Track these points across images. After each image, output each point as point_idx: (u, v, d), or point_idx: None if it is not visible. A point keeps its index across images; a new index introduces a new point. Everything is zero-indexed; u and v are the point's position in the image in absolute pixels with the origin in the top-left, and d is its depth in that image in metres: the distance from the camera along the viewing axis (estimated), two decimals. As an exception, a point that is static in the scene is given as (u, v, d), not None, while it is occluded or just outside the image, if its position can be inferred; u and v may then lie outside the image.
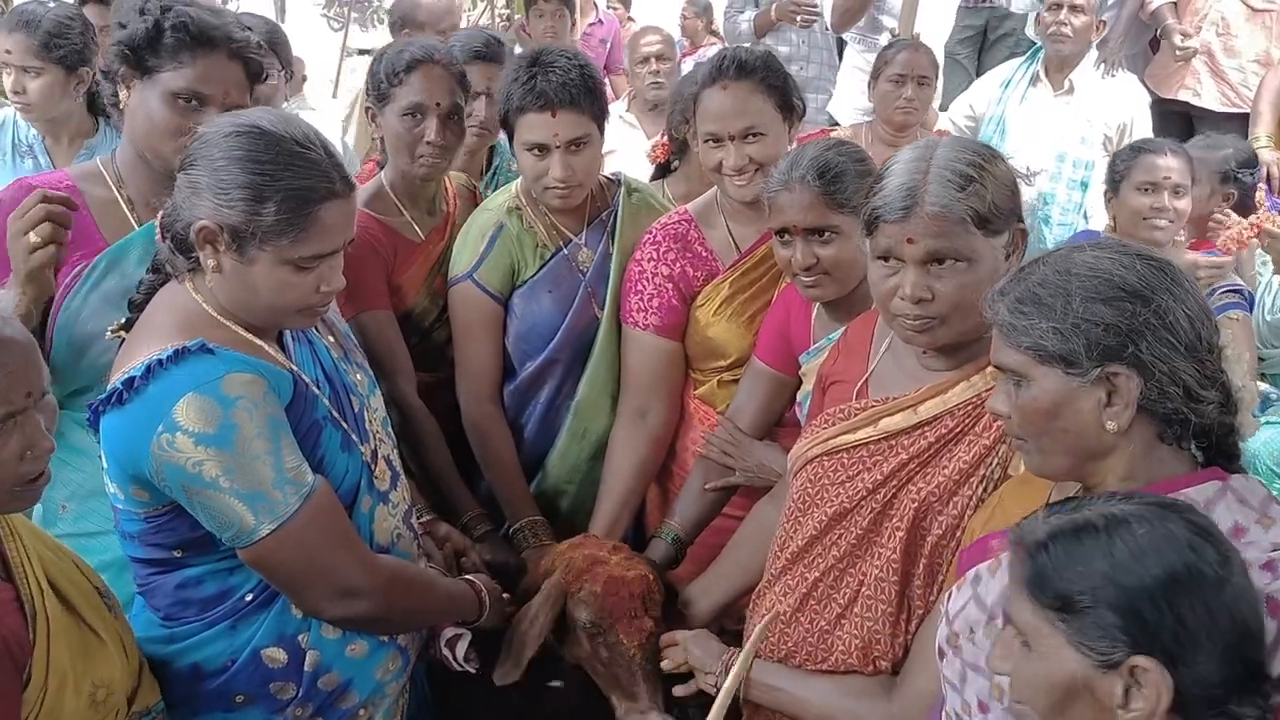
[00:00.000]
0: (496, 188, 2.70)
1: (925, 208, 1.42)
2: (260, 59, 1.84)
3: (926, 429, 1.53)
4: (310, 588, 1.51)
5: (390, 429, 1.79)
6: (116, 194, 1.83)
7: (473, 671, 1.78)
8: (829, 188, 1.81)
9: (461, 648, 1.77)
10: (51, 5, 2.88)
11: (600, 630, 1.78)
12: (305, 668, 1.57)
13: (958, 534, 1.50)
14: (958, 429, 1.52)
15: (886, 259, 1.48)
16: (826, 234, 1.83)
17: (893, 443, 1.55)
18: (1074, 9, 3.68)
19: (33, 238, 1.60)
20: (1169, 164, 2.83)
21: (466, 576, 1.82)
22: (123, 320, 1.61)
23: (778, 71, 2.07)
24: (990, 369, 1.48)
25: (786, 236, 1.86)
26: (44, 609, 1.33)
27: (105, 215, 1.82)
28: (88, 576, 1.50)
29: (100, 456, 1.74)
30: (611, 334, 2.23)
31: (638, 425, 2.17)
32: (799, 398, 1.98)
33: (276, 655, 1.56)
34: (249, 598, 1.55)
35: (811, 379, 1.90)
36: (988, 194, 1.43)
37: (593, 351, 2.23)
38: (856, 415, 1.60)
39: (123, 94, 1.79)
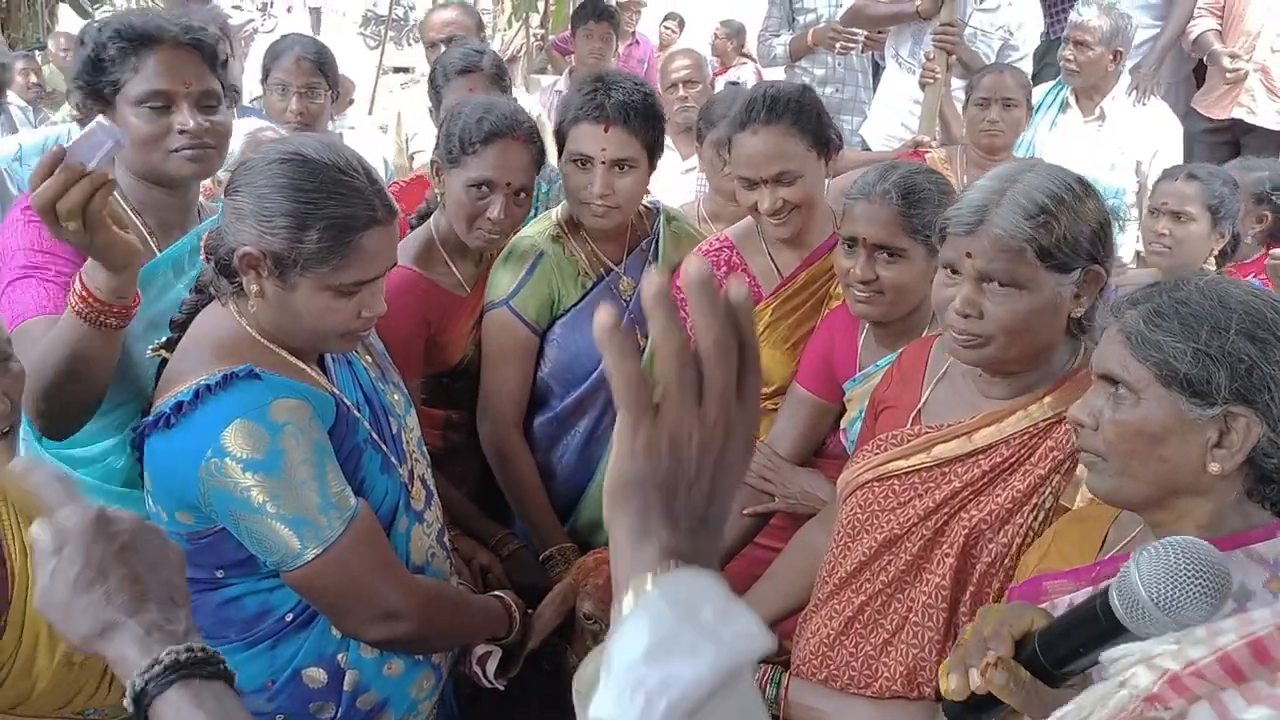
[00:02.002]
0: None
1: (990, 228, 1.43)
2: (212, 41, 1.75)
3: (981, 457, 1.52)
4: (352, 611, 1.52)
5: (425, 448, 1.80)
6: (129, 212, 1.78)
7: (501, 689, 1.79)
8: (909, 210, 1.80)
9: (492, 665, 1.78)
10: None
11: (601, 625, 1.78)
12: (344, 687, 1.59)
13: (1005, 562, 1.49)
14: (1013, 458, 1.51)
15: (950, 270, 1.50)
16: (893, 254, 1.82)
17: (946, 470, 1.54)
18: (1080, 44, 3.70)
19: (65, 221, 1.43)
20: (1172, 189, 2.79)
21: (496, 593, 1.83)
22: (163, 340, 1.63)
23: (810, 110, 2.03)
24: (1048, 399, 1.48)
25: (852, 246, 1.85)
26: (25, 569, 1.37)
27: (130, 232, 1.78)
28: None
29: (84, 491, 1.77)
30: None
31: None
32: (844, 424, 1.97)
33: (317, 675, 1.57)
34: (289, 618, 1.56)
35: (857, 406, 1.89)
36: (1059, 228, 1.41)
37: None
38: (910, 441, 1.59)
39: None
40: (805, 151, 2.02)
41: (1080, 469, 1.41)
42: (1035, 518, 1.49)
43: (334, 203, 1.45)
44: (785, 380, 2.11)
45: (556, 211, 2.27)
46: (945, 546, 1.53)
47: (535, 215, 2.44)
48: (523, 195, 2.13)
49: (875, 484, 1.61)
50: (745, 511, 2.07)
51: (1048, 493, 1.48)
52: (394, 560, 1.56)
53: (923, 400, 1.64)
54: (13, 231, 1.70)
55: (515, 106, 2.22)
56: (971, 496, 1.52)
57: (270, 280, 1.47)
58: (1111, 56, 3.71)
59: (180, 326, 1.60)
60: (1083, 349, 1.52)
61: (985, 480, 1.52)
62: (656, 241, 2.28)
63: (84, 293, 1.50)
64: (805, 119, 2.02)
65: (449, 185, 2.11)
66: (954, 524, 1.53)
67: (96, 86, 1.72)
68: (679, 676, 0.63)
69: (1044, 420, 1.48)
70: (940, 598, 1.53)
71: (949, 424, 1.56)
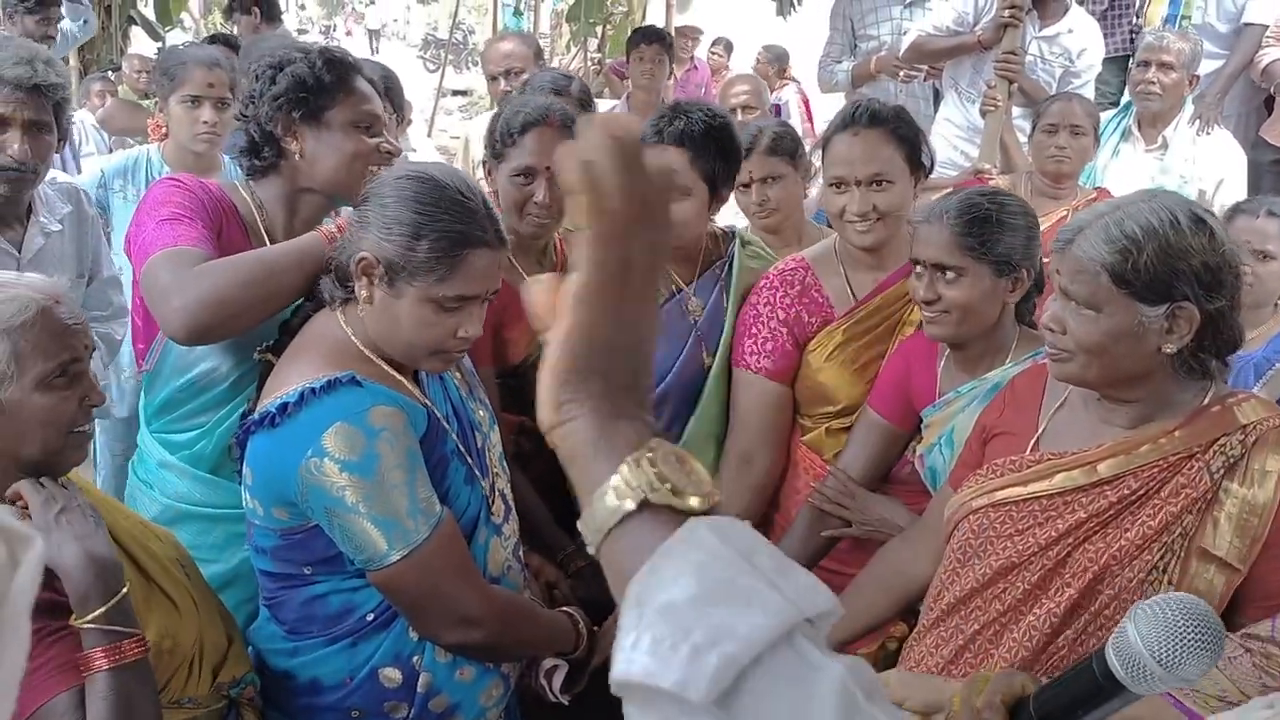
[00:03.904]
0: None
1: (1074, 248, 1.45)
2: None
3: (1106, 488, 1.49)
4: (431, 613, 1.56)
5: (505, 463, 1.85)
6: (255, 215, 1.89)
7: (565, 704, 1.80)
8: (964, 229, 1.83)
9: (558, 679, 1.80)
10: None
11: None
12: (418, 689, 1.63)
13: (1125, 597, 1.45)
14: (1141, 490, 1.47)
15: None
16: (950, 273, 1.85)
17: (1069, 499, 1.51)
18: (1164, 66, 3.64)
19: None
20: (1253, 226, 2.72)
21: (564, 609, 1.86)
22: (270, 343, 1.71)
23: (910, 124, 2.10)
24: (1179, 433, 1.46)
25: (919, 268, 1.89)
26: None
27: (252, 229, 1.89)
28: (164, 544, 1.61)
29: (175, 475, 1.87)
30: (721, 381, 2.23)
31: (743, 471, 2.18)
32: (921, 450, 1.98)
33: (393, 675, 1.62)
34: (370, 617, 1.61)
35: (936, 432, 1.89)
36: (1140, 258, 1.40)
37: (702, 395, 2.23)
38: (1029, 468, 1.56)
39: (291, 143, 1.85)
40: (901, 163, 2.07)
41: (1220, 510, 1.42)
42: (1162, 556, 1.45)
43: (449, 218, 1.53)
44: (852, 400, 2.12)
45: None
46: (1067, 576, 1.50)
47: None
48: None
49: (990, 510, 1.58)
50: (824, 534, 2.07)
51: (1178, 532, 1.45)
52: (473, 568, 1.61)
53: (1041, 428, 1.61)
54: (163, 189, 1.84)
55: (552, 100, 2.30)
56: (1098, 528, 1.49)
57: (381, 286, 1.55)
58: (1189, 81, 3.68)
59: (292, 331, 1.68)
60: (1213, 388, 1.49)
61: (1113, 513, 1.48)
62: (730, 264, 2.31)
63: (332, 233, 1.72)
64: (905, 129, 2.08)
65: (499, 183, 2.21)
66: (1078, 555, 1.50)
67: (312, 104, 1.83)
68: (733, 628, 0.53)
69: (1174, 454, 1.46)
70: (1049, 623, 1.50)
71: (1071, 452, 1.53)
